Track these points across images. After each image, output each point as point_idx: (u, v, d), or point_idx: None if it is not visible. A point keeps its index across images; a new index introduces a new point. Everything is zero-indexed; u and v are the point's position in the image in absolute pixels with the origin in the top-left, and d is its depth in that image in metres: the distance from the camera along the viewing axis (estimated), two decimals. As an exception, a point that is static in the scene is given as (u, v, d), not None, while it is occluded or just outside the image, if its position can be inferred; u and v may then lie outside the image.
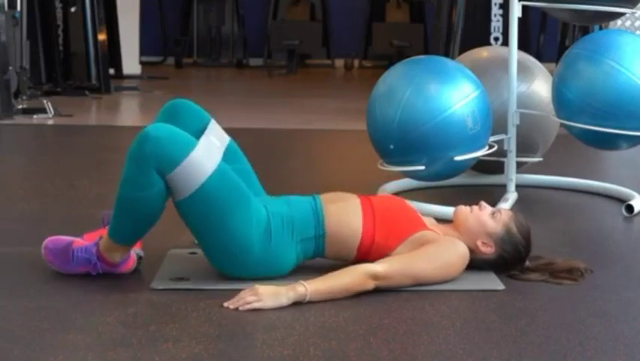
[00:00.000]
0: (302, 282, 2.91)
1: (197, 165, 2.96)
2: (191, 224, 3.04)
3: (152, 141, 2.94)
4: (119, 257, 3.12)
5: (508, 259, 3.21)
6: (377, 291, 3.00)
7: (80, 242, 3.14)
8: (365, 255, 3.12)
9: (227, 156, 3.13)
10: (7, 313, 2.82)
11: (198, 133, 3.10)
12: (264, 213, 3.06)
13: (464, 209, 3.25)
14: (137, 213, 3.01)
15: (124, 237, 3.09)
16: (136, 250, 3.20)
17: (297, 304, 2.87)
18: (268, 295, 2.86)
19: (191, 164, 2.95)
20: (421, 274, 3.06)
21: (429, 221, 3.27)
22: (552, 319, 2.87)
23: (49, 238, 3.17)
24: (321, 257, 3.16)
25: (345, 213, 3.14)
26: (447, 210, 3.80)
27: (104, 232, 3.13)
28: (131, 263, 3.17)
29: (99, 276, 3.12)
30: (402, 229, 3.14)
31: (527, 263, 3.25)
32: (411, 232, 3.14)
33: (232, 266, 3.05)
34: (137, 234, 3.10)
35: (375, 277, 2.99)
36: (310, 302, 2.89)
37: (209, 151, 3.01)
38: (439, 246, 3.11)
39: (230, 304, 2.86)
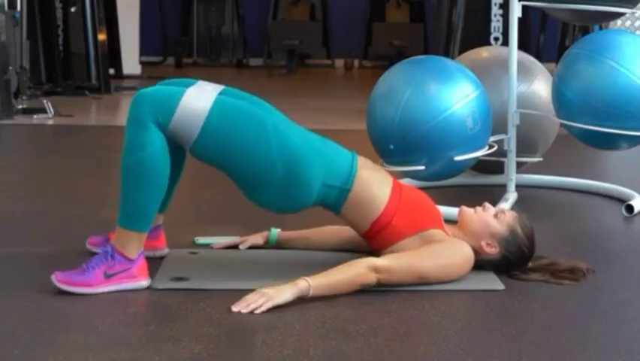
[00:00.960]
0: (304, 277, 2.92)
1: (193, 106, 2.98)
2: (214, 162, 3.04)
3: (145, 97, 3.00)
4: (133, 250, 3.00)
5: (512, 259, 3.22)
6: (377, 291, 3.00)
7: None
8: (376, 233, 3.13)
9: (228, 93, 3.12)
10: (7, 313, 2.82)
11: None
12: (291, 136, 3.05)
13: (468, 210, 3.26)
14: (144, 178, 2.97)
15: (135, 218, 3.01)
16: (160, 252, 3.19)
17: (297, 303, 2.88)
18: (274, 293, 2.86)
19: (186, 106, 2.98)
20: (424, 272, 3.06)
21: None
22: (552, 319, 2.87)
23: (55, 272, 3.01)
24: (335, 213, 3.16)
25: (376, 184, 3.16)
26: (447, 210, 3.80)
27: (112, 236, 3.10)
28: (146, 272, 3.04)
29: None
30: (420, 221, 3.15)
31: (530, 264, 3.25)
32: (426, 227, 3.15)
33: (259, 190, 3.04)
34: (147, 210, 3.01)
35: (377, 270, 2.99)
36: (314, 297, 2.89)
37: (201, 92, 3.04)
38: (445, 246, 3.12)
39: (240, 308, 2.82)
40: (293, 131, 3.09)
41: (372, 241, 3.18)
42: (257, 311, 2.81)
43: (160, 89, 3.06)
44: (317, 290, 2.91)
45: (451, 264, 3.11)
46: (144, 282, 3.02)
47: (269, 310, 2.82)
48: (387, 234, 3.13)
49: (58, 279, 2.97)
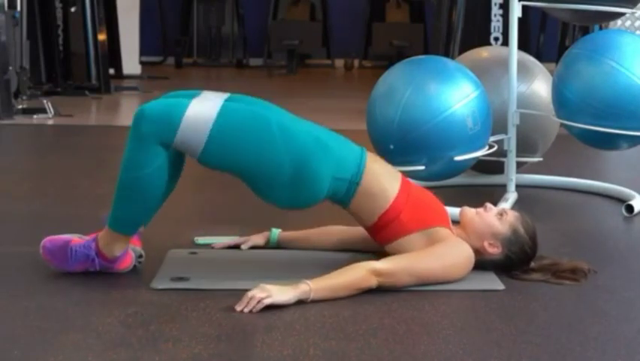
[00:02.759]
0: (305, 280, 2.92)
1: (198, 117, 2.97)
2: (223, 169, 3.05)
3: (147, 113, 2.98)
4: (118, 250, 3.11)
5: (515, 259, 3.22)
6: (377, 291, 3.00)
7: (78, 240, 3.14)
8: (383, 227, 3.13)
9: (233, 100, 3.12)
10: (7, 313, 2.82)
11: None
12: (297, 133, 3.06)
13: (470, 210, 3.26)
14: (139, 194, 3.01)
15: (124, 225, 3.08)
16: (136, 249, 3.20)
17: (296, 302, 2.87)
18: (276, 291, 2.86)
19: (190, 119, 2.96)
20: (424, 274, 3.06)
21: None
22: (552, 319, 2.87)
23: (47, 238, 3.17)
24: (344, 207, 3.15)
25: (385, 177, 3.17)
26: (448, 211, 3.79)
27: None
28: (129, 261, 3.17)
29: (99, 276, 3.12)
30: (428, 218, 3.15)
31: (532, 263, 3.25)
32: (433, 224, 3.15)
33: (272, 190, 3.03)
34: (137, 220, 3.10)
35: (378, 274, 2.99)
36: (314, 301, 2.89)
37: (204, 102, 3.02)
38: (445, 247, 3.12)
39: (242, 307, 2.82)
40: (299, 128, 3.10)
41: (378, 234, 3.17)
42: (257, 308, 2.81)
43: (162, 103, 3.03)
44: (317, 294, 2.91)
45: (452, 265, 3.11)
46: (124, 270, 3.17)
47: (269, 311, 2.82)
48: (394, 228, 3.12)
49: (43, 250, 3.14)
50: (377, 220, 3.14)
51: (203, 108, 2.99)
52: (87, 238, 3.15)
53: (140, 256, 3.22)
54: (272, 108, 3.17)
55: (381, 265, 3.02)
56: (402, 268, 3.03)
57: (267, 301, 2.82)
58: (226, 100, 3.08)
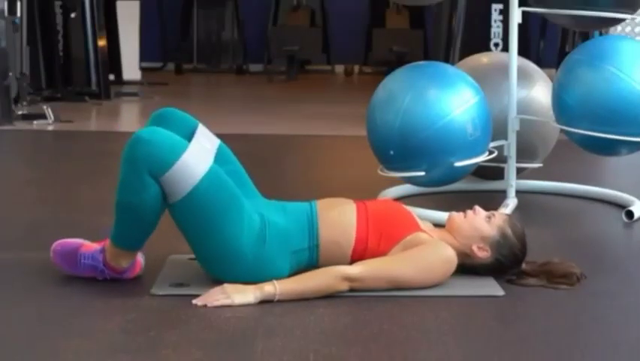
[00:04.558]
0: (273, 281, 2.95)
1: (189, 167, 2.95)
2: (184, 228, 3.04)
3: (144, 143, 2.95)
4: (125, 263, 3.12)
5: (505, 262, 3.21)
6: (377, 296, 3.00)
7: (88, 246, 3.14)
8: (359, 260, 3.11)
9: (219, 158, 3.12)
10: (8, 319, 2.82)
11: (187, 138, 3.07)
12: (257, 219, 3.05)
13: (457, 215, 3.25)
14: (136, 217, 3.01)
15: (127, 242, 3.09)
16: (141, 256, 3.20)
17: (297, 308, 2.88)
18: (236, 292, 2.91)
19: (183, 166, 2.94)
20: (398, 277, 3.05)
21: (426, 225, 3.26)
22: (552, 324, 2.87)
23: (58, 242, 3.17)
24: (314, 267, 3.12)
25: (340, 220, 3.14)
26: (446, 217, 3.80)
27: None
28: (138, 269, 3.18)
29: (100, 282, 3.12)
30: (395, 233, 3.14)
31: (523, 266, 3.25)
32: (404, 235, 3.13)
33: (224, 271, 3.04)
34: (140, 239, 3.09)
35: (348, 278, 3.00)
36: (280, 301, 2.92)
37: (200, 153, 3.01)
38: (422, 249, 3.10)
39: (198, 301, 2.91)
40: (255, 209, 3.08)
41: None
42: (209, 305, 2.88)
43: (160, 138, 2.97)
44: (284, 295, 2.94)
45: (427, 267, 3.09)
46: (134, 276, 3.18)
47: (269, 316, 2.82)
48: (369, 256, 3.11)
49: (53, 254, 3.15)
50: (351, 258, 3.12)
51: (197, 161, 2.97)
52: (96, 246, 3.14)
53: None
54: (245, 185, 3.17)
55: (352, 269, 3.02)
56: (374, 273, 3.03)
57: (223, 302, 2.89)
58: (215, 155, 3.08)
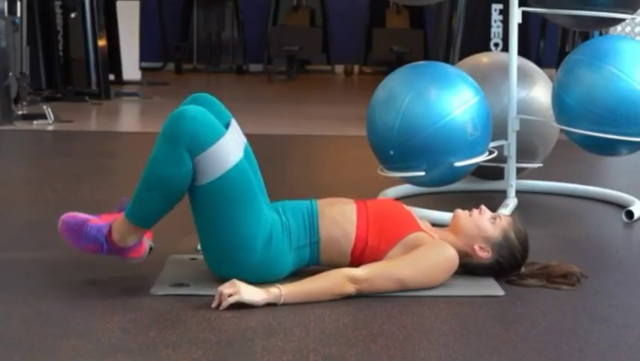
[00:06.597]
0: (277, 285, 2.94)
1: (224, 152, 2.98)
2: (203, 212, 3.03)
3: (189, 119, 2.96)
4: (131, 241, 3.07)
5: (505, 264, 3.21)
6: (377, 297, 3.00)
7: (96, 221, 3.12)
8: (359, 259, 3.12)
9: (245, 156, 3.13)
10: (7, 318, 2.82)
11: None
12: (270, 221, 3.07)
13: (463, 213, 3.25)
14: (163, 193, 2.99)
15: (142, 218, 3.05)
16: (147, 240, 3.18)
17: (297, 308, 2.88)
18: (245, 287, 2.89)
19: (219, 150, 2.96)
20: (403, 278, 3.05)
21: (425, 225, 3.26)
22: (552, 325, 2.87)
23: (68, 213, 3.13)
24: (315, 265, 3.14)
25: (340, 217, 3.15)
26: (446, 216, 3.80)
27: (118, 216, 3.11)
28: (142, 251, 3.13)
29: (99, 281, 3.12)
30: (395, 232, 3.14)
31: (523, 269, 3.25)
32: (404, 235, 3.13)
33: (230, 266, 3.04)
34: (155, 216, 3.05)
35: (354, 280, 2.99)
36: (285, 304, 2.91)
37: (235, 143, 3.04)
38: (425, 249, 3.10)
39: (215, 304, 2.89)
40: (266, 206, 3.11)
41: (360, 265, 3.16)
42: (223, 305, 2.86)
43: (203, 117, 2.99)
44: (289, 298, 2.93)
45: (431, 268, 3.09)
46: (136, 260, 3.12)
47: (268, 316, 2.82)
48: (369, 255, 3.11)
49: (62, 224, 3.07)
50: (350, 258, 3.13)
51: (231, 149, 3.00)
52: (104, 221, 3.13)
53: (150, 248, 3.19)
54: (262, 189, 3.18)
55: (359, 272, 3.01)
56: (378, 274, 3.03)
57: (233, 299, 2.86)
58: (244, 149, 3.11)
